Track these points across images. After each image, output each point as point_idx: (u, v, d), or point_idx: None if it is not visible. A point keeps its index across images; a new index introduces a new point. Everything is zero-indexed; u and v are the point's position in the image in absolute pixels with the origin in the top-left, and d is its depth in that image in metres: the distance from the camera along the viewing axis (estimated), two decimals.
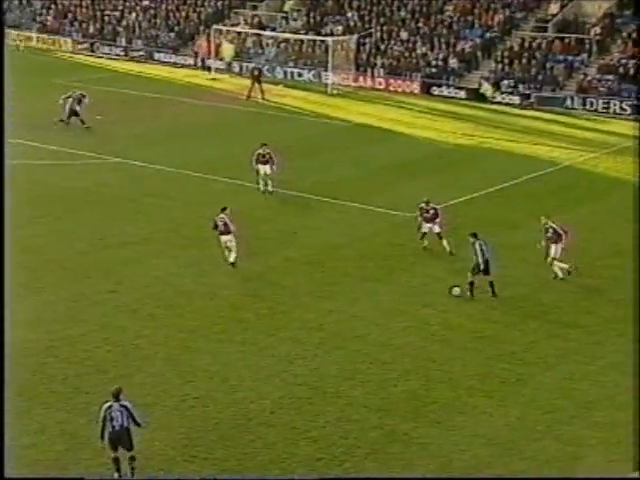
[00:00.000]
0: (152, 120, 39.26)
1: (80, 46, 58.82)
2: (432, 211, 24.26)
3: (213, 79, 50.68)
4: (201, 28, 56.29)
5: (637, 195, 27.55)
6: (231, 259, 23.08)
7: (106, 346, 18.89)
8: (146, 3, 60.40)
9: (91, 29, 59.75)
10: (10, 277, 21.27)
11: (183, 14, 58.94)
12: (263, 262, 23.80)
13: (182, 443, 15.56)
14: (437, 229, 24.30)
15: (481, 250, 21.39)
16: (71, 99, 36.58)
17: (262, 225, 26.42)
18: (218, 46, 52.60)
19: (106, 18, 60.57)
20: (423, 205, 24.32)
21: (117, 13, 60.70)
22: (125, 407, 14.30)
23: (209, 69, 52.12)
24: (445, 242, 24.14)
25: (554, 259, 22.53)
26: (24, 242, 24.14)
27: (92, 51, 58.06)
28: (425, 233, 24.34)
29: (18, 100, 42.22)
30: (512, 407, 16.92)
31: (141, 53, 56.87)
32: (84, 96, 37.12)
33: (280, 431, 16.01)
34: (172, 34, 57.23)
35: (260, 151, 28.74)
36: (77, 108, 36.28)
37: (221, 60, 52.17)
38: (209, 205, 25.62)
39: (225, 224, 22.89)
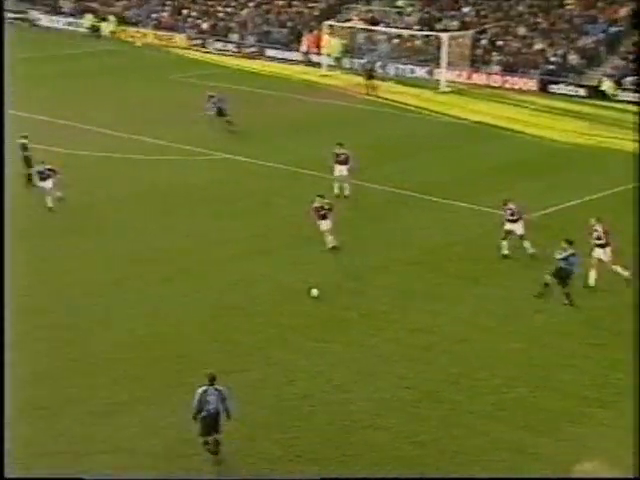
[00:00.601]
0: (261, 116, 39.74)
1: (193, 42, 60.11)
2: (509, 211, 23.61)
3: (324, 75, 50.97)
4: (313, 24, 56.69)
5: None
6: (332, 244, 23.51)
7: (210, 343, 19.14)
8: None
9: (204, 25, 60.99)
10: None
11: (295, 10, 59.50)
12: (368, 261, 23.78)
13: (286, 443, 15.67)
14: (520, 230, 23.67)
15: (565, 260, 20.75)
16: (214, 99, 36.18)
17: (369, 224, 26.45)
18: (325, 41, 52.83)
19: (219, 14, 61.71)
20: (509, 207, 23.70)
21: (230, 9, 61.76)
22: (220, 391, 14.62)
23: (319, 65, 52.45)
24: (527, 244, 23.56)
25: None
26: (132, 237, 24.85)
27: (204, 47, 59.26)
28: (508, 232, 23.70)
29: (133, 96, 43.76)
30: (632, 419, 16.34)
31: (253, 49, 57.69)
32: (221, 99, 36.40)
33: (385, 433, 15.94)
34: (284, 30, 57.84)
35: (336, 151, 28.17)
36: (224, 107, 35.84)
37: (328, 56, 52.40)
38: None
39: (326, 209, 23.50)
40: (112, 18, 63.56)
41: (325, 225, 23.86)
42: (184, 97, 43.40)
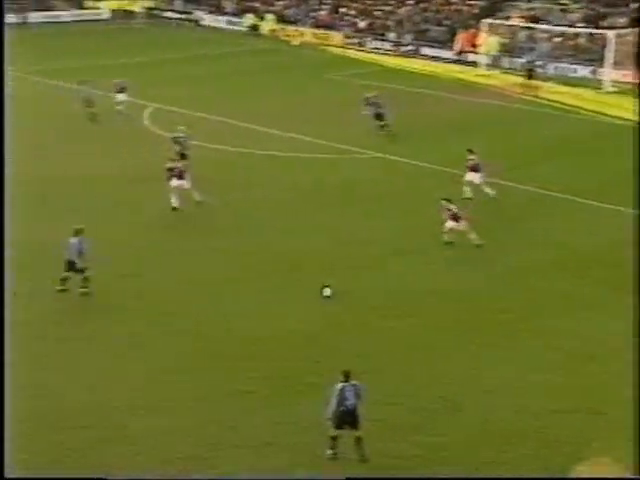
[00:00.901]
0: (415, 116, 39.49)
1: (350, 41, 60.44)
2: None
3: (480, 75, 50.16)
4: (472, 22, 55.90)
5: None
6: (476, 242, 23.70)
7: (359, 342, 19.12)
8: None
9: (361, 24, 61.23)
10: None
11: (454, 8, 58.84)
12: (509, 261, 23.33)
13: (434, 446, 15.54)
14: None
15: None
16: (371, 101, 36.06)
17: (510, 224, 26.01)
18: (482, 40, 51.91)
19: (377, 13, 61.81)
20: None
21: (388, 8, 61.75)
22: (356, 387, 14.81)
23: (475, 64, 51.65)
24: None
25: None
26: (279, 234, 25.18)
27: (361, 46, 59.47)
28: None
29: (290, 94, 44.39)
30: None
31: (409, 48, 57.46)
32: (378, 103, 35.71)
33: (541, 445, 15.50)
34: (442, 28, 57.31)
35: (467, 157, 27.90)
36: (382, 111, 35.68)
37: (485, 55, 51.49)
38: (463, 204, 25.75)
39: (455, 212, 23.86)
40: (271, 17, 64.78)
41: (457, 226, 23.85)
42: (340, 96, 43.65)
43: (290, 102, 42.38)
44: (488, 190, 27.67)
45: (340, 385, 14.83)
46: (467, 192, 27.70)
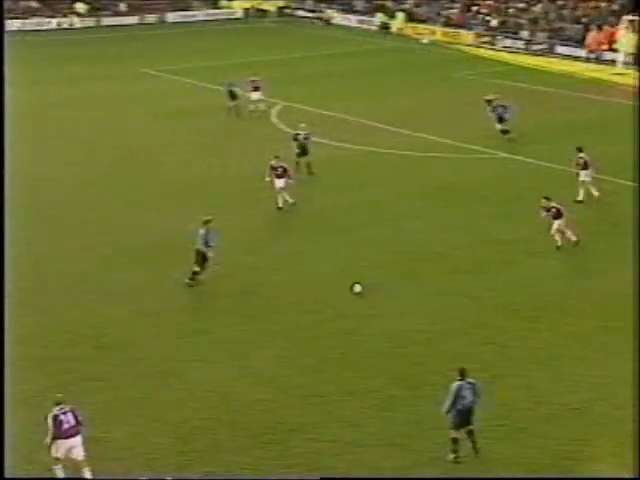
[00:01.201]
0: (545, 115, 38.73)
1: (481, 39, 59.69)
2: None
3: (617, 74, 48.66)
4: (611, 19, 54.25)
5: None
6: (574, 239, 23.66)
7: (484, 345, 18.91)
8: None
9: (494, 22, 60.34)
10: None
11: (592, 4, 57.23)
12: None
13: (558, 454, 15.23)
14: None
15: None
16: (493, 104, 35.36)
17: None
18: (620, 37, 50.24)
19: (510, 11, 60.80)
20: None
21: (521, 5, 60.64)
22: (473, 385, 14.77)
23: (612, 63, 50.11)
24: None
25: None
26: (401, 234, 25.18)
27: (492, 44, 58.62)
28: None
29: (419, 93, 44.22)
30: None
31: (543, 46, 56.27)
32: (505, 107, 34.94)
33: None
34: (578, 26, 55.86)
35: (578, 155, 27.44)
36: (505, 116, 34.43)
37: (622, 52, 49.85)
38: (588, 205, 25.52)
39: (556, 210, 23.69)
40: (401, 15, 64.65)
41: (560, 224, 23.66)
42: (469, 94, 43.17)
43: (418, 101, 42.23)
44: (593, 190, 27.09)
45: (457, 384, 14.74)
46: (581, 195, 27.29)
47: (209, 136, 35.65)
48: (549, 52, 55.32)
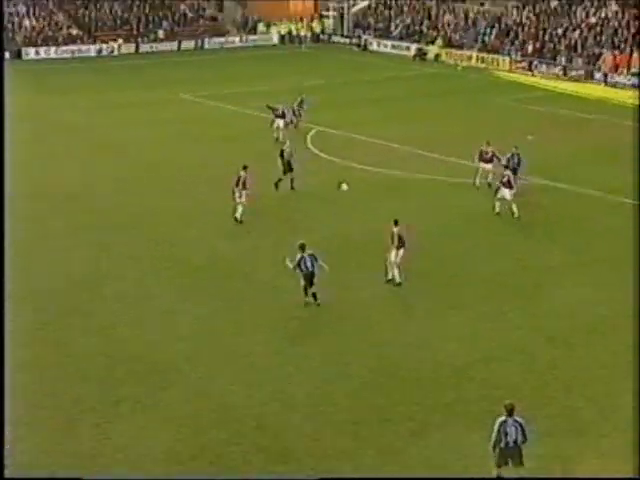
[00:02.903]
0: (583, 142, 38.50)
1: (518, 65, 59.60)
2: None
3: None
4: None
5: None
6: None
7: (522, 373, 18.69)
8: (592, 20, 59.51)
9: (530, 48, 60.23)
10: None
11: (633, 30, 56.91)
12: None
13: None
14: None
15: None
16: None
17: None
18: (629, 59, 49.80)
19: (547, 37, 60.68)
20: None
21: (559, 31, 60.50)
22: (519, 423, 14.26)
23: None
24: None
25: None
26: (447, 258, 25.12)
27: (529, 70, 58.51)
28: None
29: (456, 119, 44.13)
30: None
31: (580, 72, 56.04)
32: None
33: None
34: (615, 52, 55.57)
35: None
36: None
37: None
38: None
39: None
40: (439, 41, 64.80)
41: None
42: (506, 120, 43.08)
43: (454, 126, 42.12)
44: None
45: (501, 419, 14.33)
46: None
47: (250, 161, 35.81)
48: (587, 78, 55.05)
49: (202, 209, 29.37)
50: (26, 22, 67.32)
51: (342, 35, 74.19)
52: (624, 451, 15.78)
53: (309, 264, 21.05)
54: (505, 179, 28.25)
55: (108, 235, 26.71)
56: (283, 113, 38.45)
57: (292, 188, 30.60)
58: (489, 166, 31.37)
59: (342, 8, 75.67)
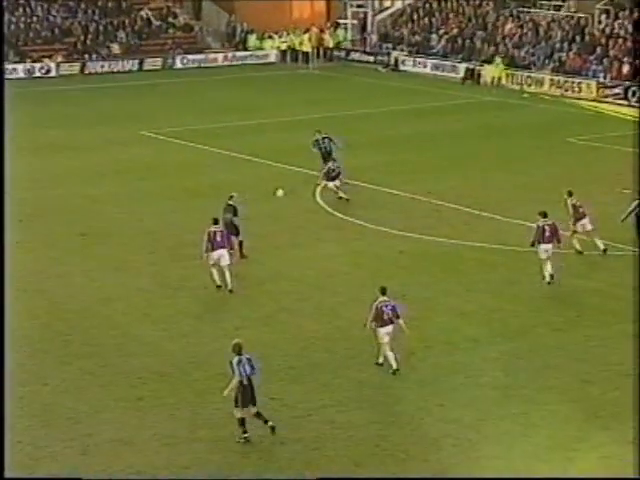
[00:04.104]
0: None
1: (607, 91, 59.37)
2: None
3: None
4: None
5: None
6: None
7: None
8: None
9: (626, 69, 59.92)
10: None
11: None
12: None
13: None
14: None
15: None
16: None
17: None
18: None
19: None
20: None
21: None
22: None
23: None
24: None
25: None
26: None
27: (624, 98, 58.17)
28: None
29: (516, 165, 43.70)
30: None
31: None
32: None
33: None
34: None
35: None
36: None
37: None
38: None
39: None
40: (497, 60, 64.84)
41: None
42: (590, 167, 42.74)
43: (519, 176, 41.69)
44: None
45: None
46: None
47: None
48: None
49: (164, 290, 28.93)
50: None
51: (364, 51, 74.47)
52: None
53: (248, 369, 20.55)
54: None
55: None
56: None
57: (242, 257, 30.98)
58: (586, 221, 31.79)
59: (364, 14, 76.02)
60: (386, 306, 23.41)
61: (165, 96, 61.77)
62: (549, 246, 29.83)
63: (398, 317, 23.48)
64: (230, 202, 30.90)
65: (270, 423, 20.48)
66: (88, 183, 41.10)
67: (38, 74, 67.67)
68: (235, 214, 30.68)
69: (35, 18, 71.72)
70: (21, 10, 71.68)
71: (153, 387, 22.81)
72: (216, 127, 51.02)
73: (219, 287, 28.67)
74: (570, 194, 32.07)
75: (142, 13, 74.92)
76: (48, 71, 68.02)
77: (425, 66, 69.24)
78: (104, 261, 31.63)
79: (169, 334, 25.94)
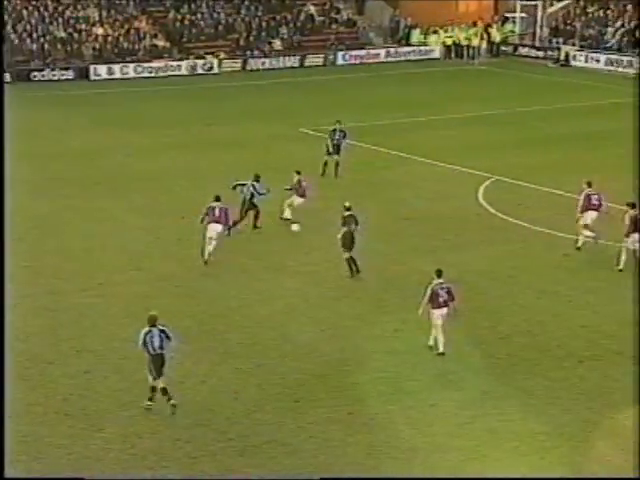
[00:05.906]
0: None
1: None
2: None
3: None
4: None
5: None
6: None
7: None
8: None
9: None
10: None
11: None
12: None
13: None
14: None
15: None
16: None
17: None
18: None
19: None
20: None
21: None
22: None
23: None
24: None
25: None
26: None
27: None
28: None
29: None
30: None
31: None
32: None
33: None
34: None
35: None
36: None
37: None
38: None
39: None
40: None
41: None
42: None
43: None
44: None
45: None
46: None
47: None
48: None
49: None
50: (98, 30, 69.36)
51: (533, 46, 73.64)
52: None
53: (157, 343, 21.08)
54: None
55: None
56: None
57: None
58: None
59: (535, 8, 75.20)
60: (442, 288, 24.11)
61: (326, 93, 62.06)
62: None
63: (453, 299, 24.21)
64: (350, 212, 30.02)
65: (172, 402, 21.16)
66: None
67: (200, 71, 68.69)
68: (357, 224, 29.93)
69: (200, 15, 72.91)
70: (186, 7, 72.95)
71: (310, 389, 22.97)
72: (381, 124, 51.04)
73: (205, 263, 30.25)
74: None
75: (306, 9, 75.46)
76: (210, 68, 69.02)
77: (598, 61, 68.14)
78: (260, 260, 31.94)
79: (326, 335, 26.10)
